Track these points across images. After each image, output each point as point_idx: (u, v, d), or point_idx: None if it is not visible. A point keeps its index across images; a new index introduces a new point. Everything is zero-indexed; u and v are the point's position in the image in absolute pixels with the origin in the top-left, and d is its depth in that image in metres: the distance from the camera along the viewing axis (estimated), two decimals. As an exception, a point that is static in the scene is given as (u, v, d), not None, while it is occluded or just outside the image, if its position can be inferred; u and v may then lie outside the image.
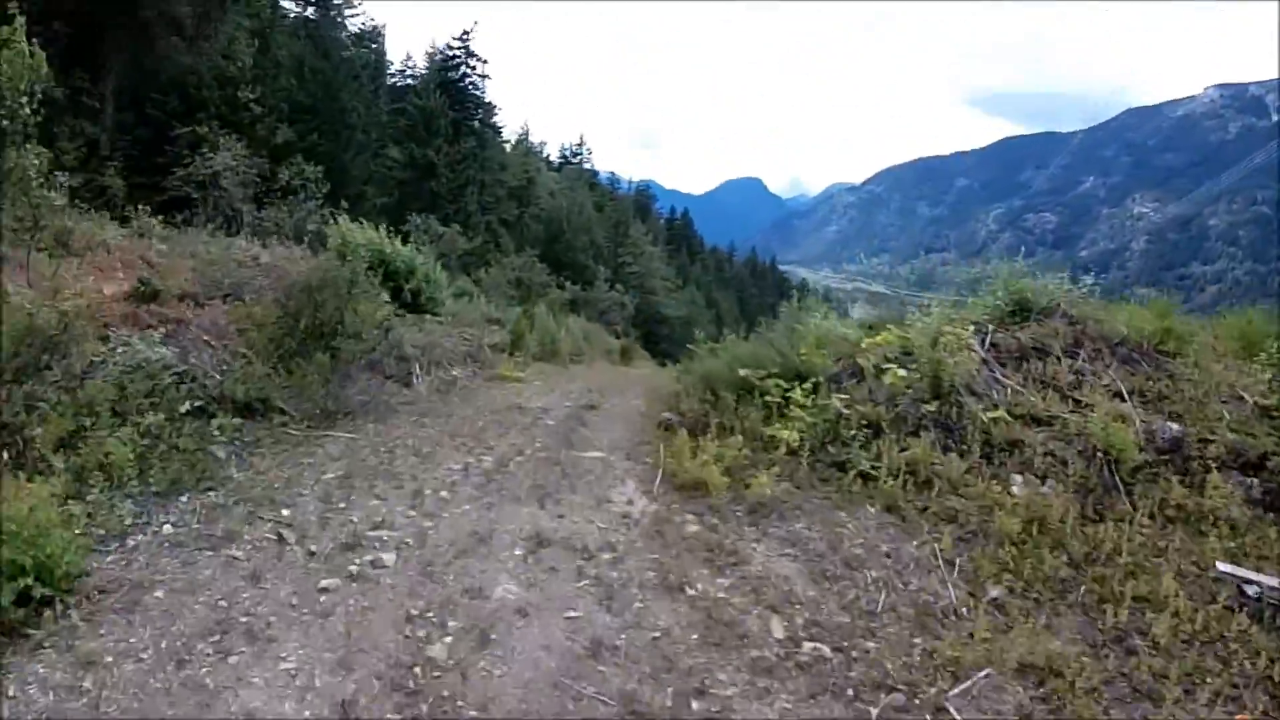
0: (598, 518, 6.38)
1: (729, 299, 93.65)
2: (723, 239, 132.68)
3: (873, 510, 6.58)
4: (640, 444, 8.62)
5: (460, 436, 8.65)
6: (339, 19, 47.51)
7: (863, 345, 9.57)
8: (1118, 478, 7.16)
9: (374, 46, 51.59)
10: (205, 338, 9.23)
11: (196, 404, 7.66)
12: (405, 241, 16.82)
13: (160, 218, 14.94)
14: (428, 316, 14.41)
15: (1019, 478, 7.16)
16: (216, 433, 7.42)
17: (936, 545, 5.94)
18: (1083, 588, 5.46)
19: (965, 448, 7.57)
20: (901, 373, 8.38)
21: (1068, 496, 6.70)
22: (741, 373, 8.99)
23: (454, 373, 12.34)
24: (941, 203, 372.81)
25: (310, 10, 44.84)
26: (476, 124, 52.68)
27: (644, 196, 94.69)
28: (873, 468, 7.14)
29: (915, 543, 6.03)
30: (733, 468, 7.12)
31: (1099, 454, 7.35)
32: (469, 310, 17.70)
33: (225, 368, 8.70)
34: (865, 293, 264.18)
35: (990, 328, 9.69)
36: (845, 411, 8.04)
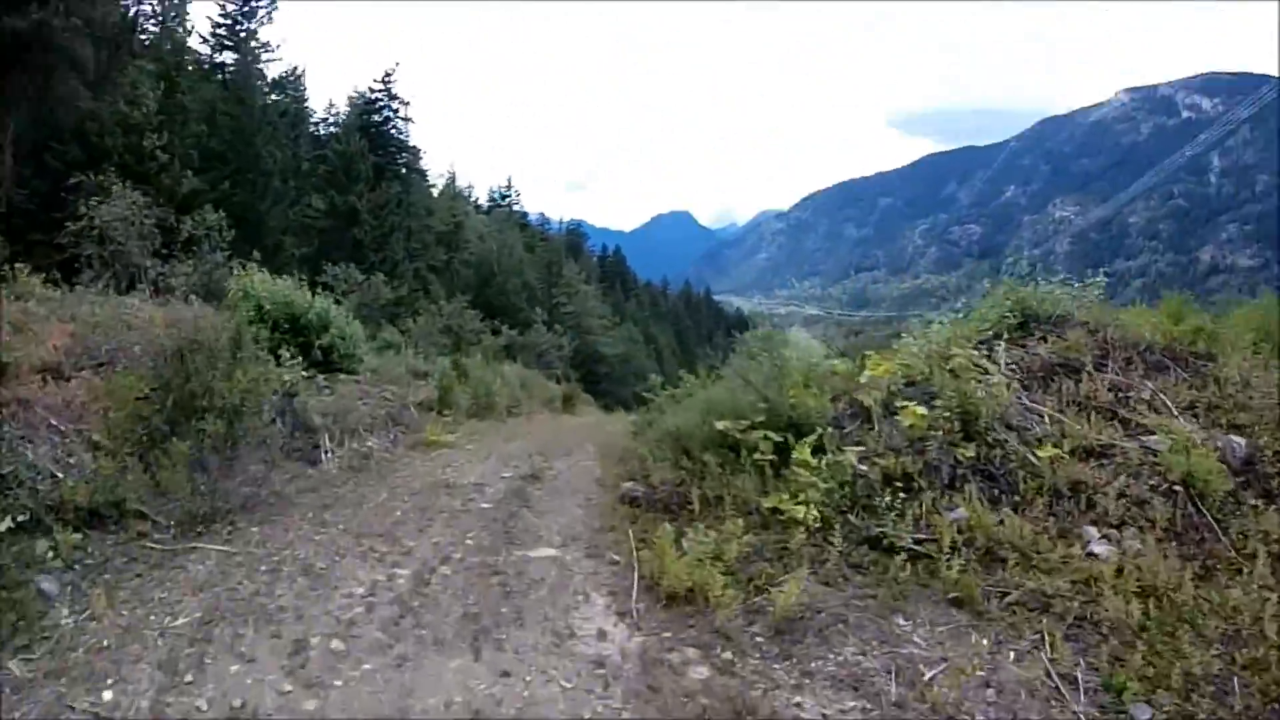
0: (559, 668, 4.38)
1: (666, 333, 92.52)
2: (655, 274, 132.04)
3: (937, 607, 4.87)
4: (602, 530, 6.78)
5: (369, 537, 6.58)
6: (256, 64, 45.26)
7: (861, 379, 7.95)
8: (1207, 514, 5.72)
9: (293, 92, 49.44)
10: (53, 422, 7.31)
11: (22, 517, 5.76)
12: (321, 292, 14.97)
13: (43, 277, 12.86)
14: (342, 375, 12.51)
15: (1093, 531, 5.64)
16: (47, 556, 5.54)
17: (1043, 655, 4.27)
18: (1235, 679, 4.02)
19: (1020, 499, 6.02)
20: (921, 410, 6.74)
21: (1159, 547, 5.25)
22: (720, 426, 7.20)
23: (370, 443, 10.36)
24: (868, 223, 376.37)
25: (225, 55, 42.54)
26: (401, 168, 50.84)
27: (575, 236, 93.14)
28: (917, 542, 5.49)
29: (1012, 654, 4.34)
30: (736, 565, 5.32)
31: (1179, 488, 5.89)
32: (392, 364, 15.77)
33: (71, 462, 6.81)
34: (800, 316, 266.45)
35: (1001, 344, 8.07)
36: (862, 468, 6.35)
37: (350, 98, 51.67)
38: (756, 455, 6.76)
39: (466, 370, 17.15)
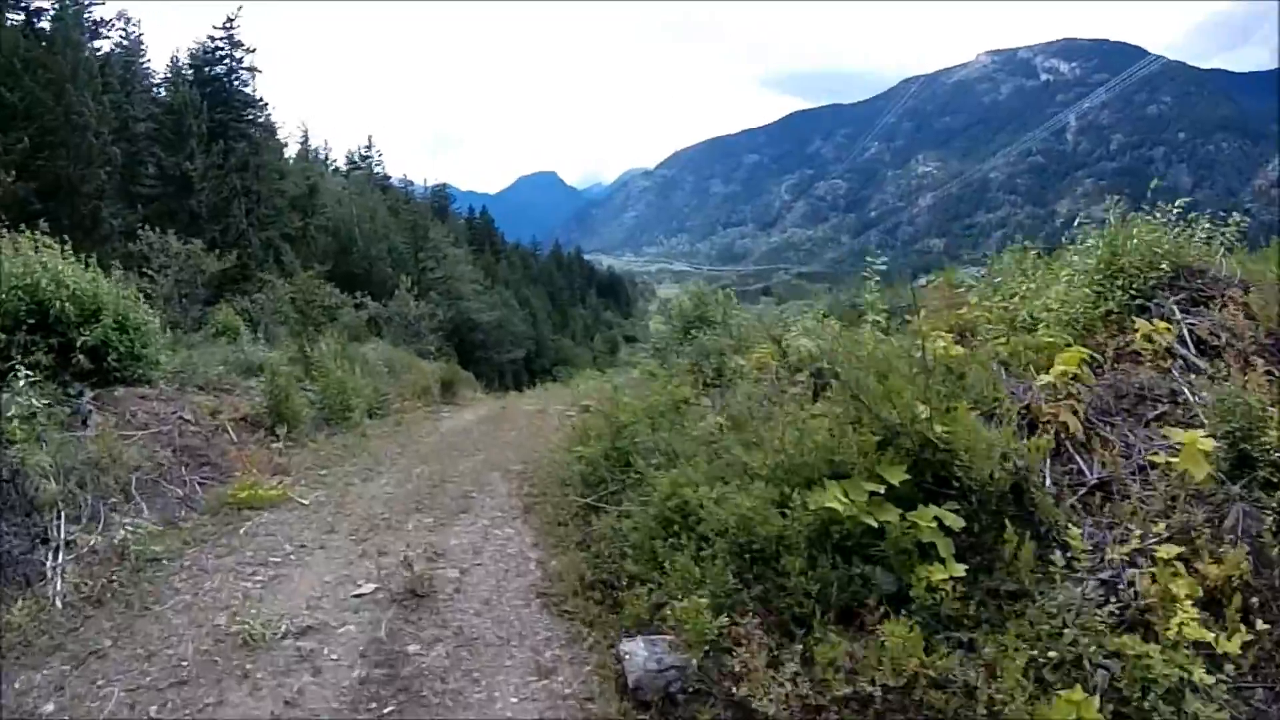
0: None
1: (540, 295, 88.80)
2: (524, 236, 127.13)
3: None
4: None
5: None
6: (76, 5, 38.70)
7: (1043, 378, 4.48)
8: None
9: (123, 40, 43.26)
10: None
11: None
12: (120, 271, 11.17)
13: None
14: (122, 389, 8.82)
15: None
16: None
17: None
18: None
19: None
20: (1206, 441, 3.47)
21: None
22: (830, 506, 3.51)
23: (129, 527, 5.88)
24: (734, 179, 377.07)
25: (36, -3, 36.14)
26: (246, 126, 45.47)
27: (441, 198, 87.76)
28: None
29: None
30: None
31: None
32: (210, 360, 11.99)
33: None
34: (669, 273, 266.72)
35: (1174, 308, 5.22)
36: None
37: (190, 50, 45.72)
38: (929, 574, 3.31)
39: (313, 362, 13.64)
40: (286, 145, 57.45)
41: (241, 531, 6.22)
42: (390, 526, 6.42)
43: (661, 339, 14.25)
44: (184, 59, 44.96)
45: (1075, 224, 7.01)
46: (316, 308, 16.62)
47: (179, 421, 8.26)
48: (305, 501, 7.17)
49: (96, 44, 38.18)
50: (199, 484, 7.18)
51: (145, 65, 45.76)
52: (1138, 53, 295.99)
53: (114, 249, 22.65)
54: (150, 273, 16.88)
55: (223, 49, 44.35)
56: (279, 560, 5.59)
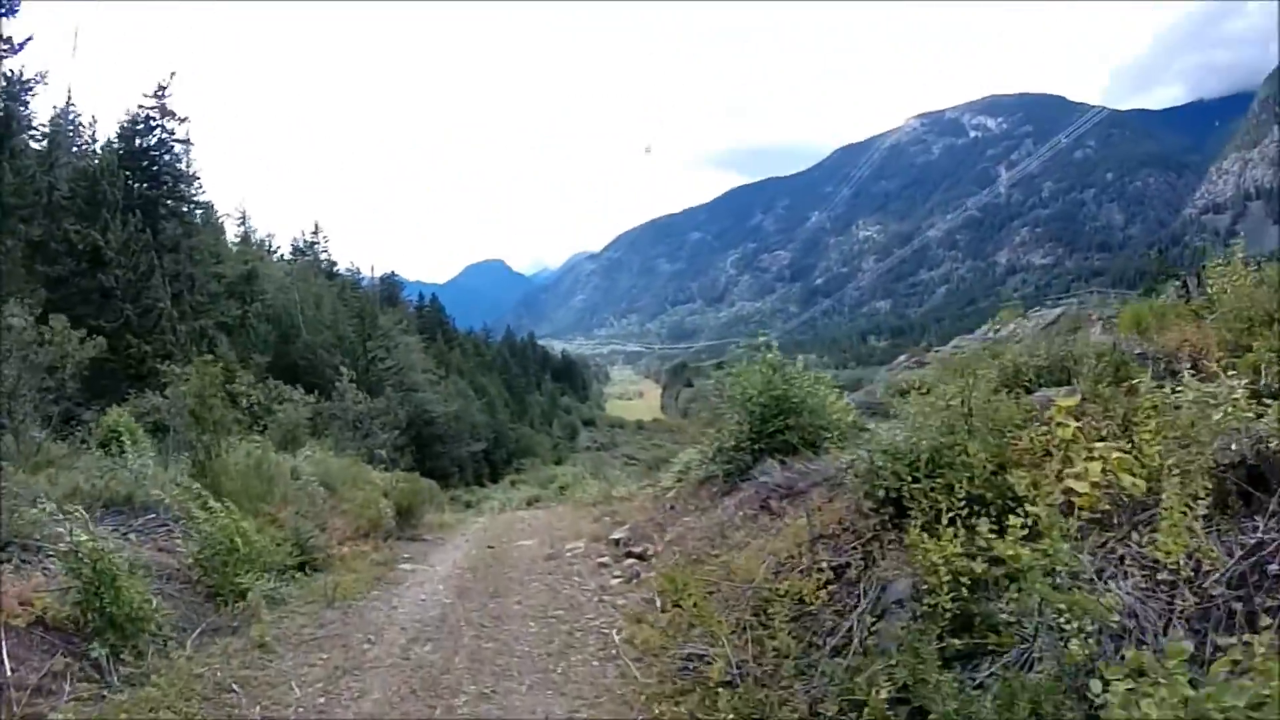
0: None
1: (495, 383, 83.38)
2: (475, 323, 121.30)
3: None
4: None
5: None
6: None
7: None
8: None
9: (26, 98, 38.06)
10: None
11: None
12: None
13: None
14: None
15: None
16: None
17: None
18: None
19: None
20: None
21: None
22: None
23: None
24: (679, 257, 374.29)
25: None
26: (179, 203, 40.36)
27: (390, 285, 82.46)
28: None
29: None
30: None
31: None
32: (44, 489, 7.15)
33: None
34: (622, 353, 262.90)
35: None
36: None
37: (120, 122, 40.55)
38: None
39: (205, 487, 8.75)
40: (223, 228, 52.60)
41: None
42: None
43: (726, 441, 9.07)
44: (111, 129, 40.07)
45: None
46: (219, 407, 11.51)
47: None
48: None
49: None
50: None
51: (71, 135, 40.85)
52: (1059, 102, 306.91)
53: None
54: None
55: (154, 118, 39.44)
56: None
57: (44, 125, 39.23)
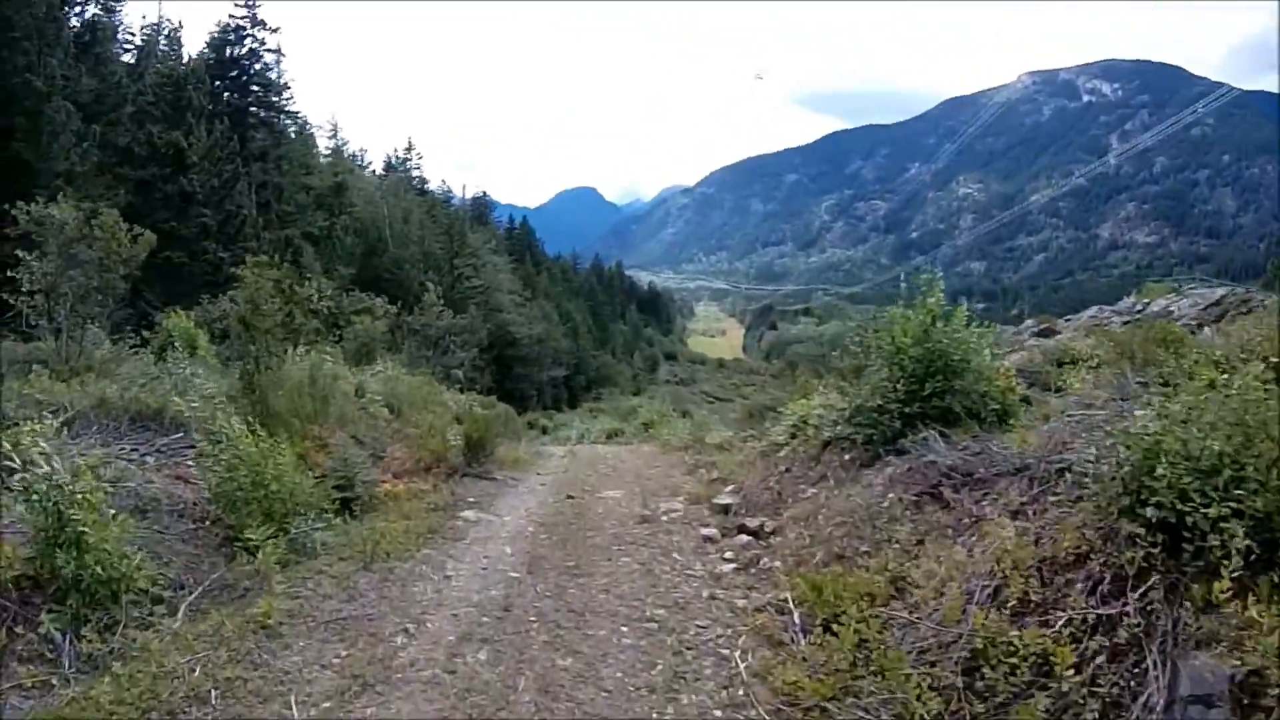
0: None
1: (580, 309, 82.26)
2: (563, 250, 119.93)
3: None
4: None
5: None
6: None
7: None
8: None
9: (117, 6, 37.37)
10: None
11: None
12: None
13: None
14: None
15: None
16: None
17: None
18: None
19: None
20: None
21: None
22: None
23: None
24: (773, 198, 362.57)
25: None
26: (269, 113, 39.55)
27: (481, 205, 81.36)
28: None
29: None
30: None
31: None
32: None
33: None
34: (708, 290, 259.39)
35: None
36: None
37: (210, 31, 39.85)
38: None
39: (249, 405, 7.41)
40: (314, 141, 51.87)
41: None
42: None
43: (868, 399, 6.78)
44: (201, 38, 39.53)
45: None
46: (273, 314, 10.12)
47: None
48: None
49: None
50: None
51: (160, 45, 40.11)
52: (1179, 74, 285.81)
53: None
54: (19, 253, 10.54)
55: (244, 28, 38.55)
56: None
57: (134, 34, 38.82)
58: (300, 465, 7.14)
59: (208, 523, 6.16)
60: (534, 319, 56.53)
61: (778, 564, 5.58)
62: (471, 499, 8.74)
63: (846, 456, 6.55)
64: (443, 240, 49.43)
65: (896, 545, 4.62)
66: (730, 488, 8.36)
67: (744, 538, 6.51)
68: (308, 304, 15.42)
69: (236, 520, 5.93)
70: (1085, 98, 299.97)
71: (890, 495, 5.37)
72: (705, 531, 6.97)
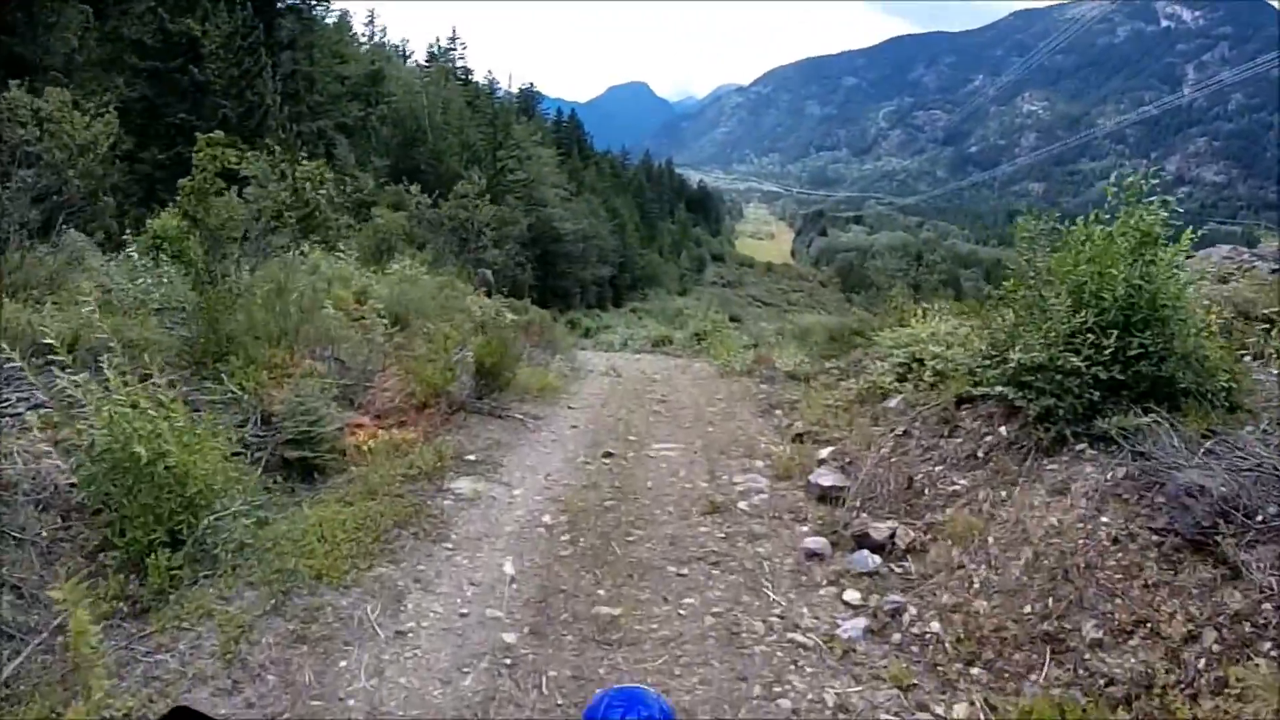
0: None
1: (628, 205, 79.18)
2: (613, 145, 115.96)
3: None
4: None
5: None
6: None
7: None
8: None
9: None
10: None
11: None
12: None
13: None
14: None
15: None
16: None
17: None
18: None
19: None
20: None
21: None
22: None
23: None
24: (830, 101, 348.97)
25: None
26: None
27: (528, 97, 77.72)
28: None
29: None
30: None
31: None
32: None
33: None
34: (759, 191, 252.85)
35: None
36: None
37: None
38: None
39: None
40: (350, 28, 49.14)
41: None
42: None
43: (1030, 349, 4.58)
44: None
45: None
46: (224, 208, 8.19)
47: None
48: None
49: None
50: None
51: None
52: (1265, 7, 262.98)
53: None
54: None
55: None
56: None
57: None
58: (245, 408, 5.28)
59: (85, 515, 4.30)
60: (580, 214, 54.00)
61: (937, 628, 3.53)
62: (472, 454, 6.57)
63: (1003, 430, 4.37)
64: (486, 131, 46.80)
65: (1164, 643, 2.54)
66: (827, 451, 6.18)
67: (869, 557, 4.43)
68: (314, 192, 13.53)
69: (115, 516, 4.05)
70: (1164, 22, 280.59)
71: (1113, 523, 3.19)
72: (808, 542, 4.81)
